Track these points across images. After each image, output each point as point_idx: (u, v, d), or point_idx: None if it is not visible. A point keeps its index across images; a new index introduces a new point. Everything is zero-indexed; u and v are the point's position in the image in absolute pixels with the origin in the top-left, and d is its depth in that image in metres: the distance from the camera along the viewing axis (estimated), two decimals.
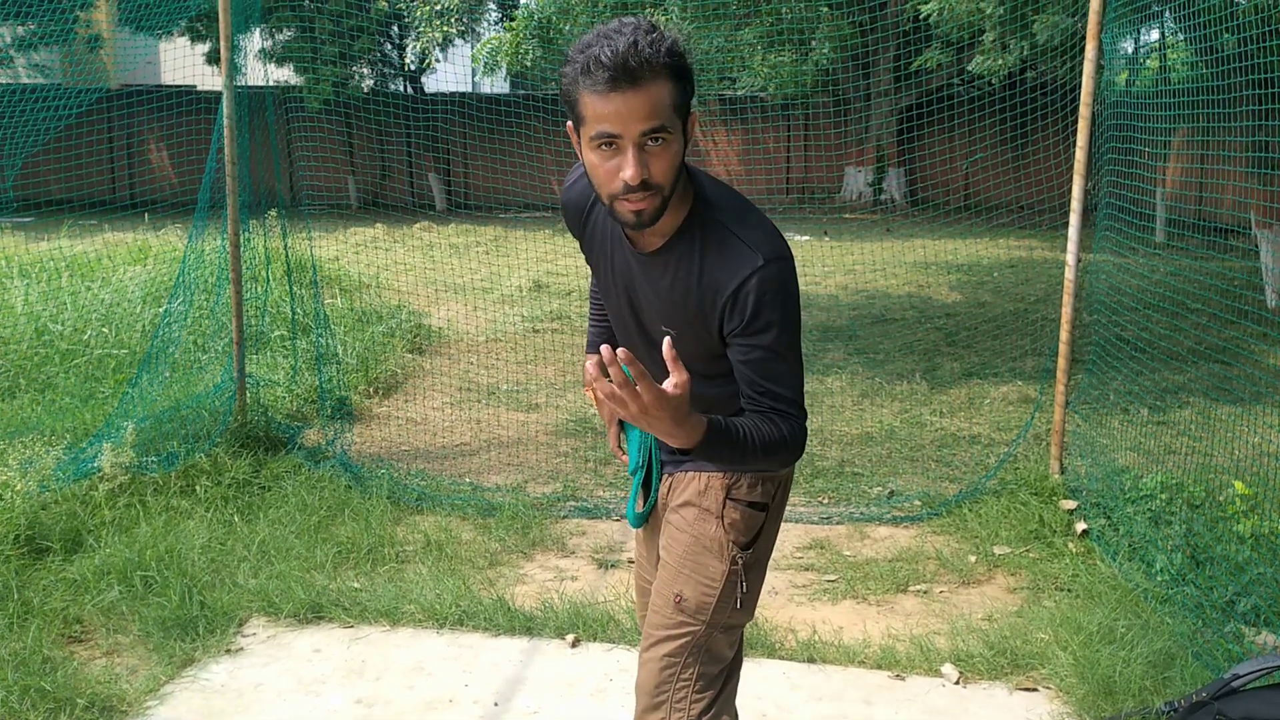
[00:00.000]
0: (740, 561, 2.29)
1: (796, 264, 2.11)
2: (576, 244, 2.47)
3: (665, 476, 2.45)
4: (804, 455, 5.96)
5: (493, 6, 20.53)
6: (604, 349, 1.74)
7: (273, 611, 4.11)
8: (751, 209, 2.14)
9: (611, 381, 1.77)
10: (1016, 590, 4.36)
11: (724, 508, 2.29)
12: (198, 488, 5.13)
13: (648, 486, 2.51)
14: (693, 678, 2.26)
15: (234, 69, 5.72)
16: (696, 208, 2.11)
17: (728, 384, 2.21)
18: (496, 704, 3.53)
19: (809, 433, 2.09)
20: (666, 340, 1.82)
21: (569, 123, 2.03)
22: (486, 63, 9.42)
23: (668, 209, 2.04)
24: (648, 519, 2.54)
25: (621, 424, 2.56)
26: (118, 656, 3.78)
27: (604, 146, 1.94)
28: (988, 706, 3.50)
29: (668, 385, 1.80)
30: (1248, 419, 5.73)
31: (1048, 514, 4.89)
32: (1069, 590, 4.28)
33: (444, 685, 3.65)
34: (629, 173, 1.92)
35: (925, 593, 4.35)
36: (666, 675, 2.26)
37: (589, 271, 2.49)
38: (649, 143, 1.92)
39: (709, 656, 2.29)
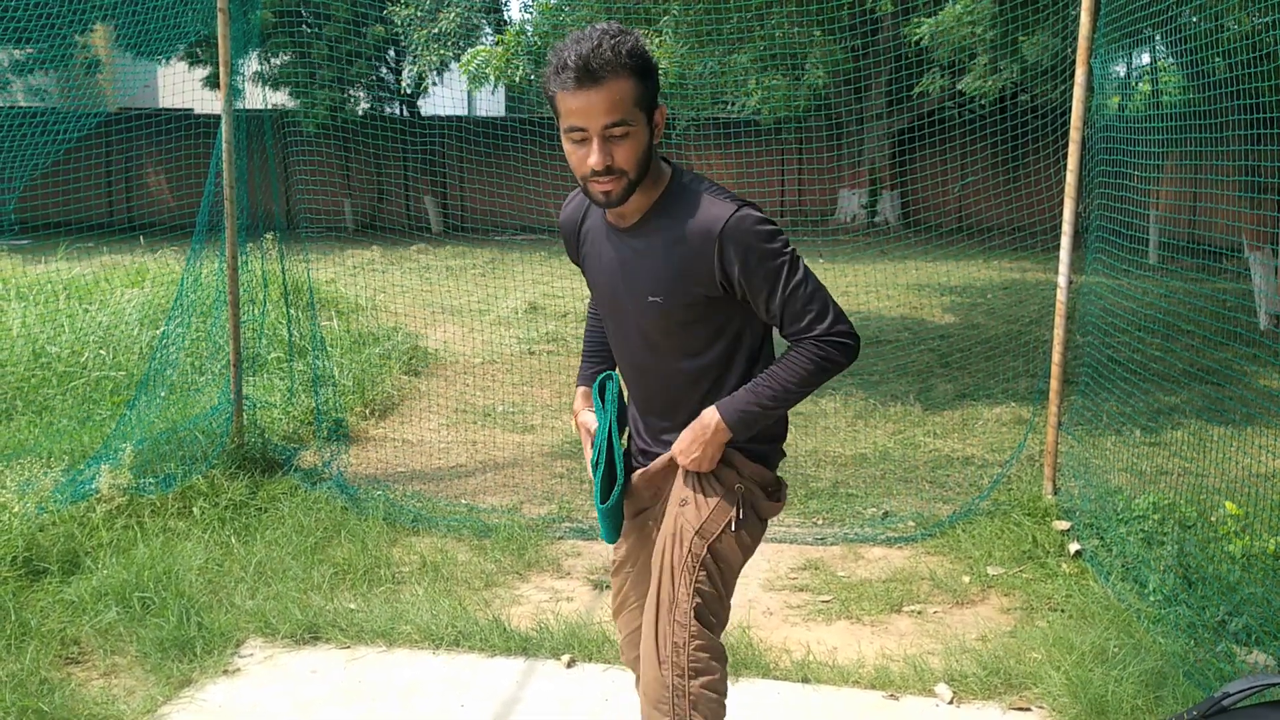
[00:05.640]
0: (742, 489, 2.49)
1: (764, 214, 2.37)
2: (572, 266, 2.64)
3: (639, 469, 2.65)
4: (799, 476, 6.01)
5: (488, 30, 20.62)
6: None
7: (270, 632, 4.13)
8: (723, 188, 2.39)
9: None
10: (1010, 610, 4.38)
11: (726, 455, 2.49)
12: (195, 509, 5.15)
13: (606, 492, 2.61)
14: (697, 567, 2.46)
15: (233, 93, 5.77)
16: (672, 186, 2.39)
17: (710, 347, 2.44)
18: None
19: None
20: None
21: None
22: (474, 75, 9.42)
23: (641, 189, 2.34)
24: (620, 523, 2.66)
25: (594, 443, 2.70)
26: (115, 678, 3.79)
27: (575, 138, 2.25)
28: None
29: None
30: (1239, 440, 5.77)
31: (1041, 534, 4.92)
32: (1062, 610, 4.30)
33: (440, 706, 3.66)
34: (593, 160, 2.23)
35: (919, 613, 4.37)
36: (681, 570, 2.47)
37: (586, 294, 2.66)
38: (612, 134, 2.22)
39: (716, 559, 2.48)
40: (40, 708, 3.43)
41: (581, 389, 2.79)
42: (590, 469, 2.64)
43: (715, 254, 2.30)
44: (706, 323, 2.41)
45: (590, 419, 2.70)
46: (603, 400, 2.65)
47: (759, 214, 2.33)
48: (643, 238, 2.40)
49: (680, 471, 2.52)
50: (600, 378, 2.68)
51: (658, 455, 2.59)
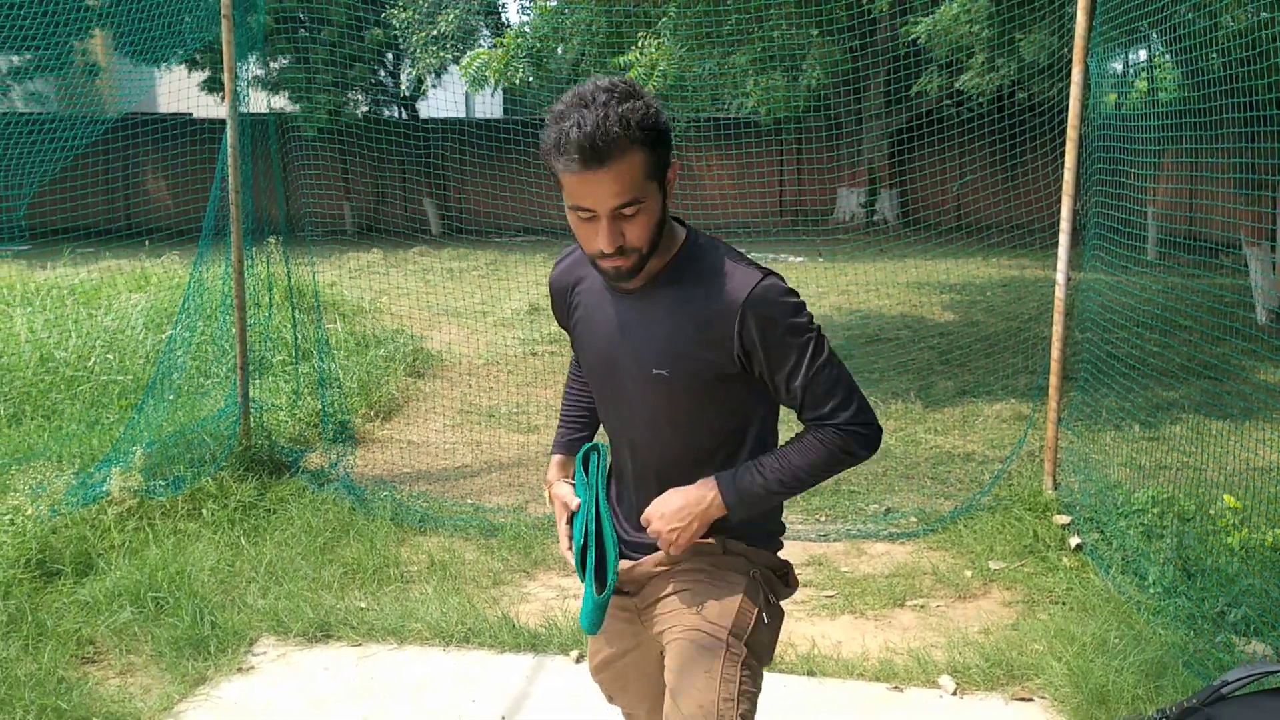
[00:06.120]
0: (759, 576, 2.25)
1: (790, 285, 2.17)
2: None
3: (630, 561, 2.33)
4: None
5: (486, 32, 20.67)
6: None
7: (282, 631, 4.18)
8: (743, 254, 2.19)
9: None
10: (1012, 604, 4.43)
11: (726, 545, 2.26)
12: (204, 510, 5.20)
13: (601, 580, 2.28)
14: (736, 678, 2.17)
15: (237, 97, 5.82)
16: (686, 248, 2.15)
17: (719, 428, 2.20)
18: (504, 718, 3.60)
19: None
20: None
21: None
22: (474, 78, 9.47)
23: (655, 253, 2.10)
24: (604, 615, 2.31)
25: (570, 519, 2.39)
26: (131, 676, 3.85)
27: (581, 216, 2.01)
28: (985, 717, 3.57)
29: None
30: (1237, 434, 5.82)
31: (1042, 529, 4.97)
32: (1063, 603, 4.36)
33: (451, 702, 3.71)
34: (602, 242, 2.00)
35: (922, 607, 4.42)
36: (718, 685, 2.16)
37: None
38: (623, 214, 1.98)
39: (756, 656, 2.23)
40: (59, 706, 3.49)
41: (557, 457, 2.50)
42: (571, 550, 2.31)
43: (736, 324, 2.06)
44: (715, 401, 2.16)
45: (567, 492, 2.36)
46: (586, 472, 2.35)
47: (785, 284, 2.09)
48: (649, 301, 2.14)
49: (678, 573, 2.26)
50: (585, 447, 2.38)
51: (640, 544, 2.30)
